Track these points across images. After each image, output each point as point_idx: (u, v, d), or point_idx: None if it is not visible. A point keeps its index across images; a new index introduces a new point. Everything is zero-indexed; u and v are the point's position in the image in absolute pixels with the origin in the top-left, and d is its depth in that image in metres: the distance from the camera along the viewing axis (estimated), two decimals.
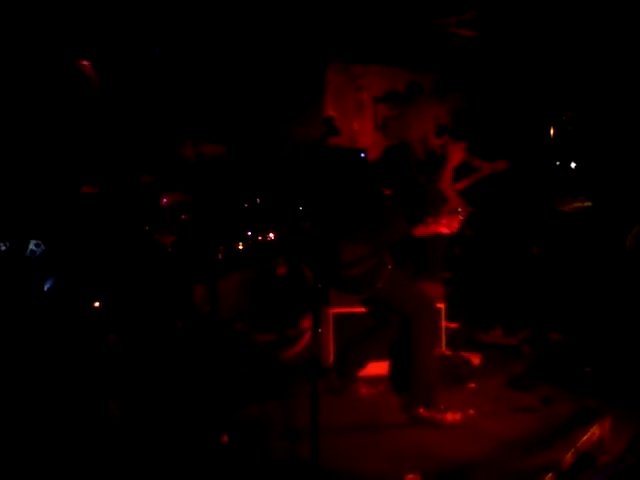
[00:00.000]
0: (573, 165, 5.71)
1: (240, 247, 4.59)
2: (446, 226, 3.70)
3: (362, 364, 3.96)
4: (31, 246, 3.39)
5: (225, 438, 3.16)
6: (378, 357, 3.97)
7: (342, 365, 3.96)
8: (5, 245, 3.36)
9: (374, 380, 3.99)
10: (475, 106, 6.03)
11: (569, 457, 3.03)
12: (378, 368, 3.99)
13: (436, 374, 3.67)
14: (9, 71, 3.80)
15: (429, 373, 3.61)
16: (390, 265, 3.64)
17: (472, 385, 4.15)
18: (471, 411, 3.61)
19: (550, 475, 2.85)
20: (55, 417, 3.36)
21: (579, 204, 5.18)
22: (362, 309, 3.98)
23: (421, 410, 3.53)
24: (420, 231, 3.73)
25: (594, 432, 3.27)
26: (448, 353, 4.40)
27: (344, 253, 3.64)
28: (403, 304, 3.67)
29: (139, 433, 3.32)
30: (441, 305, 4.36)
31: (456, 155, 3.91)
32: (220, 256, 4.40)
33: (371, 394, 3.95)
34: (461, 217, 3.73)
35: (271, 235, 4.69)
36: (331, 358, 4.20)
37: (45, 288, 3.38)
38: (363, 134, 6.29)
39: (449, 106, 3.92)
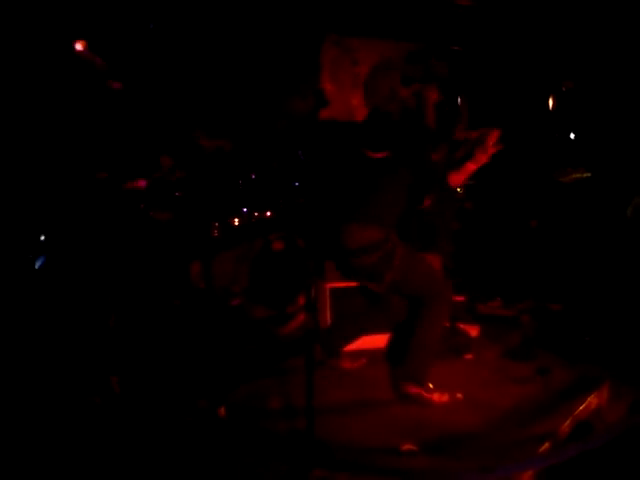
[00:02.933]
0: (572, 136, 5.67)
1: (236, 223, 4.57)
2: (482, 153, 3.34)
3: (350, 340, 3.78)
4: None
5: (222, 411, 3.17)
6: (365, 332, 3.86)
7: (330, 340, 3.75)
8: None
9: (356, 354, 3.95)
10: (473, 77, 5.98)
11: (566, 426, 3.03)
12: (361, 343, 3.90)
13: (434, 355, 3.49)
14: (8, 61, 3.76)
15: (430, 354, 3.44)
16: (401, 247, 3.32)
17: (469, 356, 4.16)
18: (459, 395, 3.46)
19: (547, 444, 2.85)
20: (56, 394, 3.37)
21: (578, 175, 5.14)
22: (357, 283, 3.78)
23: (410, 387, 3.40)
24: (457, 179, 3.42)
25: (592, 401, 3.27)
26: (446, 325, 4.39)
27: (350, 237, 3.33)
28: (415, 288, 3.38)
29: (138, 408, 3.33)
30: None
31: (431, 95, 3.67)
32: (216, 232, 4.38)
33: (355, 368, 3.92)
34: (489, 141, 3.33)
35: (267, 211, 4.67)
36: None
37: (36, 266, 3.37)
38: (361, 109, 6.21)
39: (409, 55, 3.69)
